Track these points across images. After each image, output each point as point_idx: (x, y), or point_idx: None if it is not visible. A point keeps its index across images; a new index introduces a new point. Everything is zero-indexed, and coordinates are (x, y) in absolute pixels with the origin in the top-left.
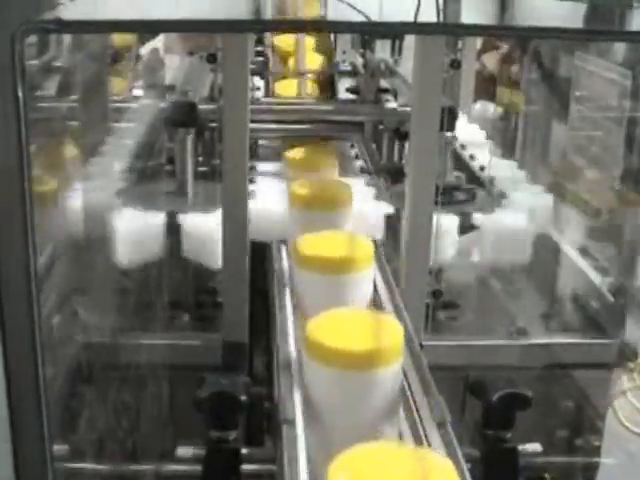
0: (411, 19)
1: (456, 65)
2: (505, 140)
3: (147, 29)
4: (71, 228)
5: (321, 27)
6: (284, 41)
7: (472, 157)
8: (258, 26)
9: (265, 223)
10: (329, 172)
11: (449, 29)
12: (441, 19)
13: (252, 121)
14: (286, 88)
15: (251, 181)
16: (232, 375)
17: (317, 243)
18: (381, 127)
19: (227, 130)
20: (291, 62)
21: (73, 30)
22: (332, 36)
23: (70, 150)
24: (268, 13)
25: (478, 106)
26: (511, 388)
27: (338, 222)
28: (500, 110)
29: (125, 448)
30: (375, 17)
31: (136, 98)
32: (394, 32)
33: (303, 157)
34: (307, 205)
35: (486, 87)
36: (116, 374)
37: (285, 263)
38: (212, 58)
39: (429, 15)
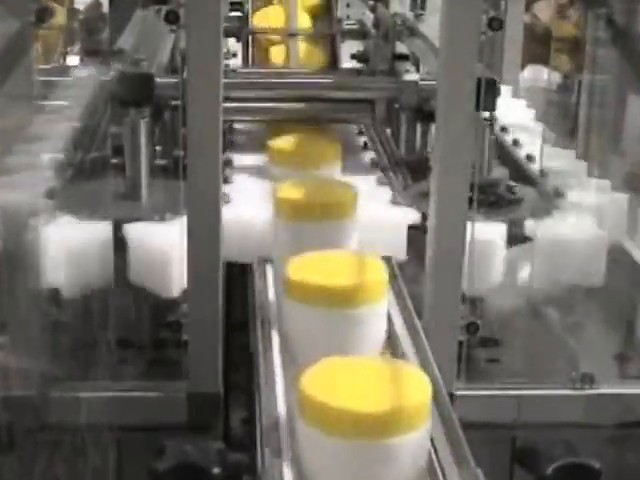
0: None
1: (496, 25)
2: (562, 119)
3: None
4: None
5: None
6: None
7: (516, 143)
8: None
9: (243, 237)
10: (328, 168)
11: None
12: None
13: (226, 99)
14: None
15: (225, 181)
16: (201, 440)
17: (313, 266)
18: (397, 106)
19: (193, 111)
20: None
21: None
22: None
23: None
24: None
25: (527, 73)
26: (573, 456)
27: (340, 236)
28: (557, 78)
29: None
30: None
31: (71, 68)
32: None
33: (293, 148)
34: (299, 214)
35: (538, 48)
36: (46, 438)
37: (270, 290)
38: (173, 16)
39: None
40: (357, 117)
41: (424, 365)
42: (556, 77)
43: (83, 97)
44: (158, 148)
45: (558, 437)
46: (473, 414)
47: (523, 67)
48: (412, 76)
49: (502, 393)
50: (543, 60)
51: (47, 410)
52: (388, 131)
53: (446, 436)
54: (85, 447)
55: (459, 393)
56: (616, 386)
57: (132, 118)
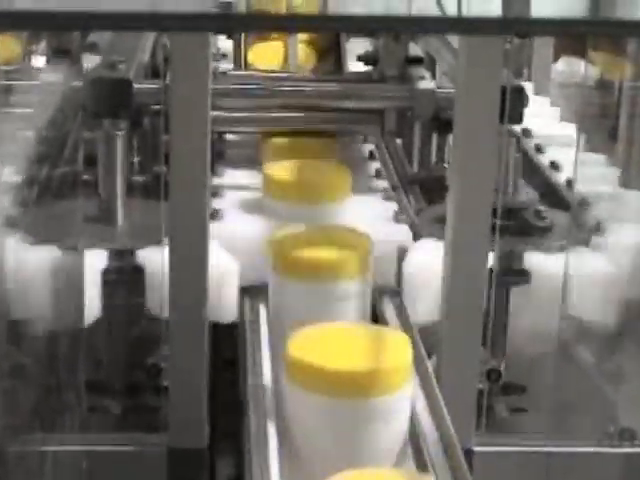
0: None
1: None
2: (600, 125)
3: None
4: None
5: (319, 26)
6: None
7: (539, 149)
8: (228, 23)
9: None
10: (336, 202)
11: (511, 26)
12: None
13: (215, 107)
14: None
15: (212, 217)
16: None
17: (321, 345)
18: (409, 114)
19: (177, 120)
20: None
21: None
22: None
23: None
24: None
25: (561, 66)
26: None
27: (352, 299)
28: (596, 74)
29: None
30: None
31: (36, 70)
32: (424, 31)
33: (292, 175)
34: (301, 273)
35: (574, 41)
36: None
37: (266, 360)
38: None
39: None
40: (364, 128)
41: (437, 417)
42: (594, 73)
43: (50, 104)
44: (136, 159)
45: None
46: (494, 473)
47: (557, 59)
48: (427, 83)
49: (528, 449)
50: (579, 53)
51: (4, 467)
52: (399, 142)
53: None
54: None
55: (478, 449)
56: None
57: (107, 129)
